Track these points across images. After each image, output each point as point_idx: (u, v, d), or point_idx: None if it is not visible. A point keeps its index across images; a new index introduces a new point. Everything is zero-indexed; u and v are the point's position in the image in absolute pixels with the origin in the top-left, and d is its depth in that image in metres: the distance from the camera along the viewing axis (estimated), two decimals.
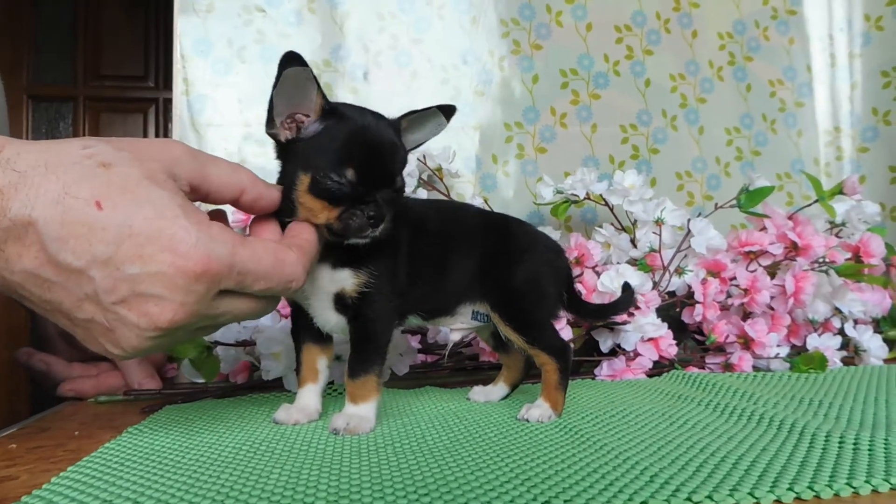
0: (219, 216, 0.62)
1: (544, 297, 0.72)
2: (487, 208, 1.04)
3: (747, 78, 1.41)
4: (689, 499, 0.43)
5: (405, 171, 1.02)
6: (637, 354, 0.94)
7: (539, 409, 0.66)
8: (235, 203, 0.60)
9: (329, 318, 0.66)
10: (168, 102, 3.37)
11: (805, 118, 1.45)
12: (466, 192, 1.23)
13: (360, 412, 0.63)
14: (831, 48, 1.46)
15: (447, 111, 0.67)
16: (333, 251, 0.63)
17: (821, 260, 1.04)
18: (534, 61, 1.29)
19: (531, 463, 0.51)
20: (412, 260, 0.67)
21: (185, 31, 1.16)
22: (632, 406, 0.72)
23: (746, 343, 0.99)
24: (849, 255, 1.09)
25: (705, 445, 0.55)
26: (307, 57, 1.20)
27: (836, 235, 1.15)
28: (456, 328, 0.73)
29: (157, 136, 3.51)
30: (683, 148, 1.36)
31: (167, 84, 3.39)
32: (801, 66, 1.45)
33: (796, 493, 0.44)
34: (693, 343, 1.04)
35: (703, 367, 0.98)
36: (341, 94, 1.20)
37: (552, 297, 0.73)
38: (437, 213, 0.73)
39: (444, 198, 1.10)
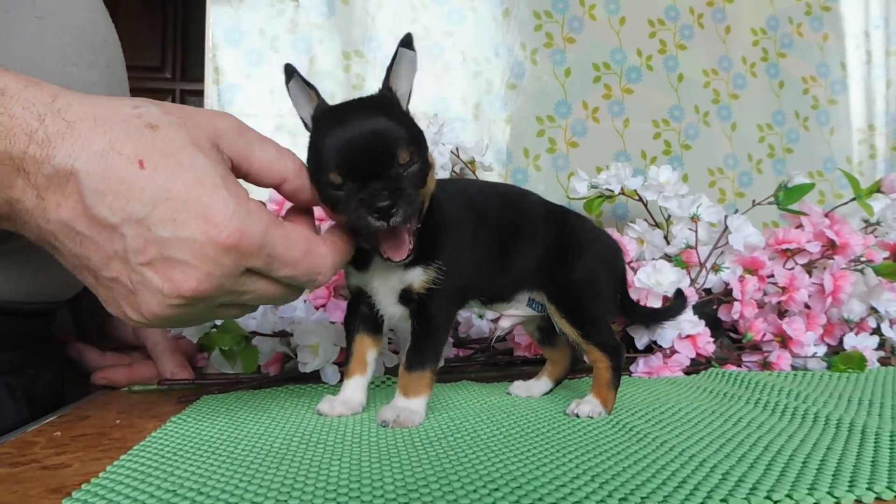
0: None
1: (601, 295, 0.71)
2: None
3: (780, 74, 1.40)
4: (768, 497, 0.42)
5: (440, 165, 1.03)
6: (674, 351, 0.93)
7: (589, 405, 0.65)
8: (277, 190, 0.59)
9: (395, 312, 0.66)
10: (185, 94, 3.36)
11: (838, 116, 1.43)
12: None
13: (411, 406, 0.62)
14: (867, 45, 1.44)
15: (404, 43, 0.60)
16: None
17: (857, 259, 1.03)
18: (566, 55, 1.27)
19: (594, 459, 0.50)
20: (478, 251, 0.66)
21: (217, 20, 1.15)
22: (679, 403, 0.71)
23: (784, 341, 0.97)
24: (886, 254, 1.08)
25: (768, 443, 0.54)
26: (338, 48, 1.22)
27: (872, 234, 1.14)
28: (508, 314, 0.72)
29: None
30: (715, 144, 1.34)
31: (184, 75, 3.39)
32: (834, 63, 1.43)
33: (876, 493, 0.43)
34: (728, 341, 1.03)
35: (739, 365, 0.96)
36: (372, 84, 1.19)
37: (608, 295, 0.72)
38: (500, 198, 0.72)
39: None
